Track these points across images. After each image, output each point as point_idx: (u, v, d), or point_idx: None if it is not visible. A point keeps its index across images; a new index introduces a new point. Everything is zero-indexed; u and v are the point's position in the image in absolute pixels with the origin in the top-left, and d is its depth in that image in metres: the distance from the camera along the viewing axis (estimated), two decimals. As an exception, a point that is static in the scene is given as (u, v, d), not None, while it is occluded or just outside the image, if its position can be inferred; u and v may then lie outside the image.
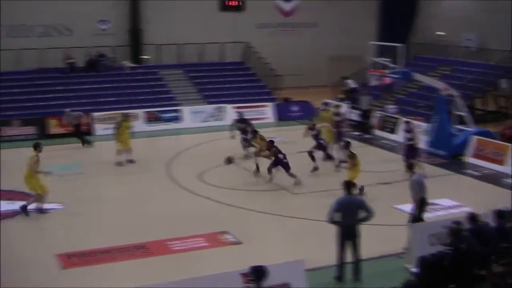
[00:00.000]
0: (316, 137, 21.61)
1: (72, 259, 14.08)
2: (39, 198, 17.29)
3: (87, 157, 24.06)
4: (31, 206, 17.28)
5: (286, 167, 19.57)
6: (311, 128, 21.86)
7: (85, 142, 26.27)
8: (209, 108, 31.28)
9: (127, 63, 34.16)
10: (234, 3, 34.02)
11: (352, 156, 18.36)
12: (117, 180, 21.59)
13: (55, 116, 28.45)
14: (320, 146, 21.57)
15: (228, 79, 34.49)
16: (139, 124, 28.29)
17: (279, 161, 19.65)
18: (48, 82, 31.89)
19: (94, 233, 15.89)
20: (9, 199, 18.44)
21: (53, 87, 31.50)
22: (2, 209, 17.48)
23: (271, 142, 20.07)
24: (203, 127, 29.70)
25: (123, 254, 14.42)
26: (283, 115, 32.01)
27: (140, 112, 29.71)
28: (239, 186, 19.74)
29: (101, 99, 30.91)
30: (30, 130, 28.13)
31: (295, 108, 32.57)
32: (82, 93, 31.28)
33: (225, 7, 34.16)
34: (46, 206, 17.46)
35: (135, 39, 35.56)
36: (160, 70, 34.38)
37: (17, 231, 16.26)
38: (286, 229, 16.43)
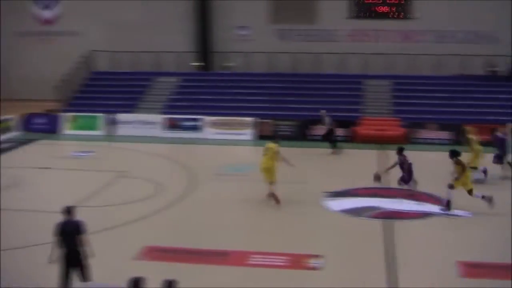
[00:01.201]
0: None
1: (472, 269, 13.67)
2: (272, 186, 18.22)
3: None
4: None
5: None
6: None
7: (334, 148, 26.07)
8: None
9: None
10: None
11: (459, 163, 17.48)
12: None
13: (472, 123, 28.06)
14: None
15: None
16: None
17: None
18: (468, 89, 31.69)
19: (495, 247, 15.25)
20: (418, 200, 18.78)
21: (472, 94, 31.19)
22: (410, 210, 17.92)
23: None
24: None
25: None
26: None
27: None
28: None
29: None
30: (445, 135, 28.28)
31: None
32: (503, 102, 30.32)
33: None
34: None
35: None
36: None
37: (420, 232, 16.44)
38: None
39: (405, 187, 18.94)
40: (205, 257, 14.41)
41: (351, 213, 17.79)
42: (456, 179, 17.67)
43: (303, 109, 30.97)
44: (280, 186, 18.37)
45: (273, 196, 18.29)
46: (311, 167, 22.98)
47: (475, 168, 20.29)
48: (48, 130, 30.81)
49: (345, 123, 28.92)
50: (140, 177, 21.54)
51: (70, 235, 11.99)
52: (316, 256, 14.33)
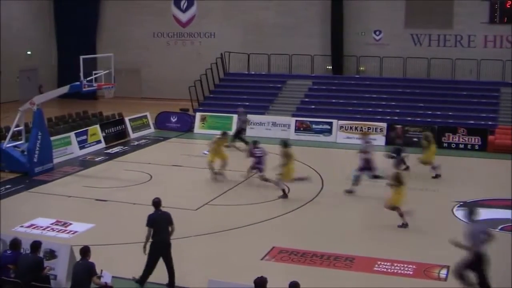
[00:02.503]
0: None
1: None
2: (224, 164, 21.96)
3: None
4: None
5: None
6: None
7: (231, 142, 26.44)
8: None
9: None
10: None
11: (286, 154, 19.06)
12: None
13: None
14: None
15: None
16: None
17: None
18: None
19: None
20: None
21: None
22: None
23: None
24: None
25: None
26: None
27: None
28: None
29: None
30: None
31: None
32: None
33: None
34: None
35: None
36: None
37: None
38: None
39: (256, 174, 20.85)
40: (331, 261, 14.47)
41: (482, 225, 17.23)
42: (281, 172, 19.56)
43: (436, 115, 30.29)
44: (411, 194, 18.16)
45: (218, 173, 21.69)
46: (443, 175, 22.46)
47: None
48: (180, 129, 31.85)
49: (479, 131, 27.96)
50: (270, 179, 21.85)
51: (161, 226, 12.77)
52: (444, 267, 14.04)
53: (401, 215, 16.77)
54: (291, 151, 19.98)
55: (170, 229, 12.94)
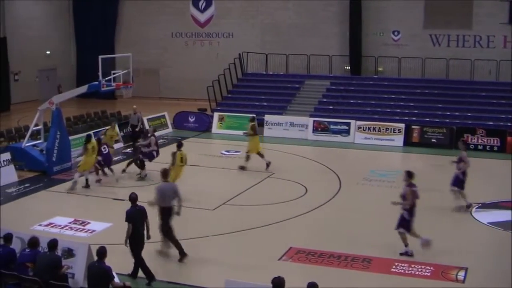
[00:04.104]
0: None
1: None
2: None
3: None
4: None
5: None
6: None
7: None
8: None
9: None
10: None
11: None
12: None
13: None
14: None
15: None
16: None
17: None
18: None
19: None
20: None
21: None
22: None
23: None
24: None
25: None
26: None
27: None
28: None
29: None
30: None
31: None
32: None
33: None
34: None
35: None
36: None
37: None
38: None
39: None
40: (348, 262, 14.43)
41: (500, 226, 17.14)
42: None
43: (454, 116, 30.10)
44: (430, 195, 18.08)
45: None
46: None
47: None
48: (198, 129, 31.88)
49: (498, 132, 27.74)
50: (287, 179, 21.84)
51: (138, 221, 13.10)
52: (462, 268, 13.96)
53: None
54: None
55: (146, 223, 13.30)
